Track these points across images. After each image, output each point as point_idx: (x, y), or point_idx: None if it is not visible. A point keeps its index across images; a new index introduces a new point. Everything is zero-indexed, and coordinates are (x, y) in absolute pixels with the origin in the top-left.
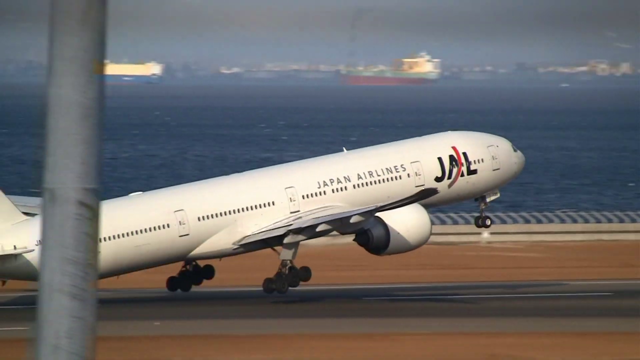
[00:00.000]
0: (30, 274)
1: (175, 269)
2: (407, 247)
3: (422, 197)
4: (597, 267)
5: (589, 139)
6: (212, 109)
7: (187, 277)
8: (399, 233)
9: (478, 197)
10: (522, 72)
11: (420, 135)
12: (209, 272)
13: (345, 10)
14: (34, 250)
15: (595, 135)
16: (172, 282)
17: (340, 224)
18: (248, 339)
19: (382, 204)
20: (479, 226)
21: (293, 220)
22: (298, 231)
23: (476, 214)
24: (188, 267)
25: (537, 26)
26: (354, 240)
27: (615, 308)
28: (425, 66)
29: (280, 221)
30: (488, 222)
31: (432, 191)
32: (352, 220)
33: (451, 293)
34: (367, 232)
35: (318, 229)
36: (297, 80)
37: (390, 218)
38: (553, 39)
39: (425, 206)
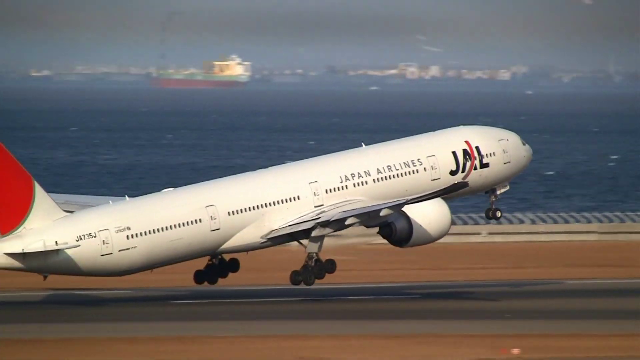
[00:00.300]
0: (71, 269)
1: (201, 262)
2: (428, 239)
3: (453, 190)
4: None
5: None
6: (21, 112)
7: (214, 270)
8: (421, 225)
9: (489, 189)
10: (333, 75)
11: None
12: (234, 265)
13: (156, 13)
14: (79, 245)
15: None
16: (199, 275)
17: (367, 217)
18: (57, 342)
19: (412, 197)
20: (489, 218)
21: (318, 214)
22: (325, 224)
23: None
24: (214, 260)
25: (348, 29)
26: (378, 233)
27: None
28: (235, 69)
29: (305, 215)
30: (499, 214)
31: (463, 184)
32: (382, 214)
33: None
34: (390, 224)
35: (347, 222)
36: (107, 83)
37: (412, 211)
38: (363, 42)
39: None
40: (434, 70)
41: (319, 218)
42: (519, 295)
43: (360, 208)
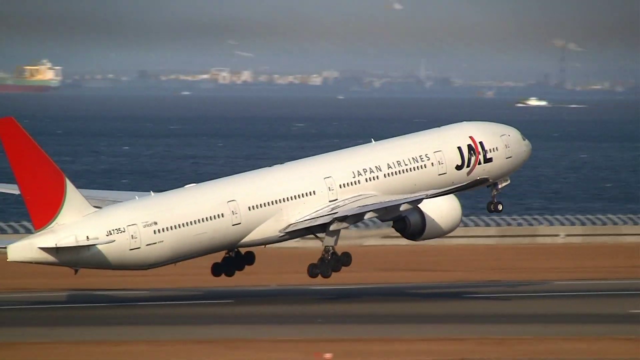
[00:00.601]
0: (101, 263)
1: (218, 255)
2: (440, 233)
3: (474, 185)
4: None
5: (214, 146)
6: None
7: (231, 262)
8: (433, 219)
9: (490, 183)
10: (144, 80)
11: None
12: (250, 258)
13: None
14: (114, 241)
15: (222, 143)
16: (216, 268)
17: (385, 212)
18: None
19: (432, 192)
20: (490, 211)
21: (333, 209)
22: (343, 219)
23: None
24: (231, 253)
25: (159, 34)
26: (392, 226)
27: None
28: (46, 74)
29: (321, 209)
30: (500, 207)
31: (484, 180)
32: (401, 208)
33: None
34: (404, 218)
35: (365, 217)
36: None
37: (425, 205)
38: (175, 47)
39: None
40: (246, 75)
41: (336, 212)
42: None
43: (380, 202)
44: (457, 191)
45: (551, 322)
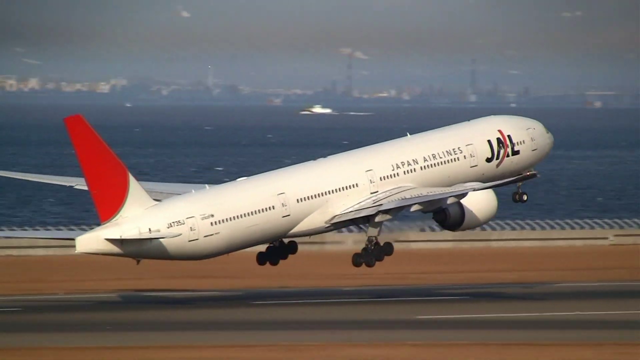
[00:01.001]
0: (161, 254)
1: (262, 246)
2: (477, 224)
3: (524, 179)
4: None
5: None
6: None
7: (275, 252)
8: (472, 211)
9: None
10: None
11: None
12: (293, 247)
13: None
14: (180, 234)
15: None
16: (261, 257)
17: (429, 204)
18: None
19: (480, 185)
20: (516, 201)
21: (374, 200)
22: (387, 211)
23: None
24: (275, 243)
25: None
26: (432, 218)
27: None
28: None
29: (363, 201)
30: (525, 197)
31: (533, 175)
32: (448, 202)
33: None
34: (445, 210)
35: (411, 209)
36: None
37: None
38: None
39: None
40: (33, 83)
41: (381, 205)
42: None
43: (426, 195)
44: (503, 185)
45: (343, 328)
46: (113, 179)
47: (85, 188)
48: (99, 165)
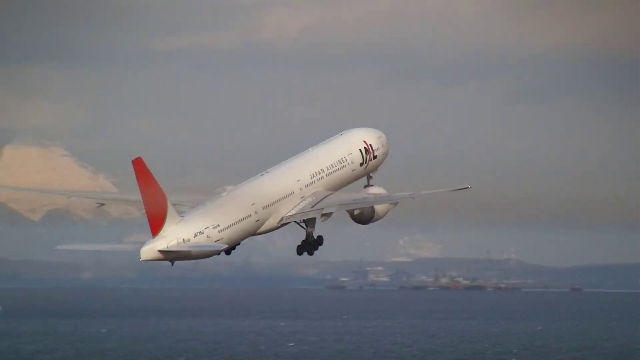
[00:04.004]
0: (191, 256)
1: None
2: (378, 218)
3: (457, 189)
4: None
5: None
6: None
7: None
8: (377, 209)
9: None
10: None
11: None
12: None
13: None
14: (228, 248)
15: None
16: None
17: (365, 206)
18: None
19: (425, 192)
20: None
21: (312, 205)
22: (328, 213)
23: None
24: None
25: None
26: (353, 216)
27: None
28: None
29: (299, 205)
30: (372, 181)
31: (465, 188)
32: (379, 206)
33: None
34: (369, 210)
35: (345, 209)
36: None
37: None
38: None
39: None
40: None
41: (323, 209)
42: None
43: (366, 201)
44: (441, 194)
45: None
46: (159, 204)
47: (82, 199)
48: (151, 195)
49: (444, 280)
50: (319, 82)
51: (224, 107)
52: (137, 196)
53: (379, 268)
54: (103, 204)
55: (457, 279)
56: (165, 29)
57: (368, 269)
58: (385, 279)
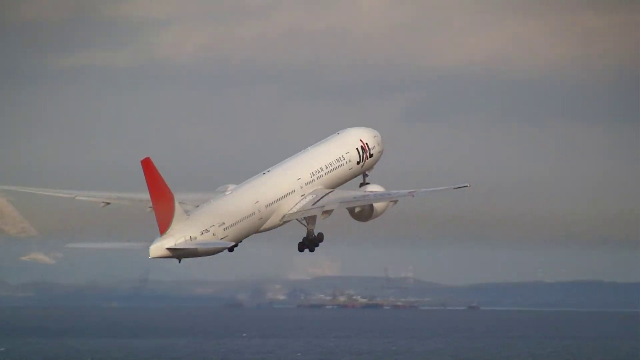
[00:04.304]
0: (197, 253)
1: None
2: (376, 216)
3: (457, 188)
4: None
5: None
6: None
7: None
8: (375, 206)
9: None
10: None
11: None
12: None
13: None
14: (235, 244)
15: None
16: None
17: (361, 203)
18: None
19: (424, 190)
20: (361, 186)
21: (314, 203)
22: (329, 211)
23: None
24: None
25: None
26: (353, 213)
27: None
28: None
29: (299, 202)
30: (368, 179)
31: (464, 186)
32: (378, 204)
33: None
34: (369, 207)
35: (346, 206)
36: None
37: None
38: None
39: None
40: None
41: (324, 206)
42: None
43: (366, 199)
44: (440, 192)
45: None
46: (167, 204)
47: (86, 199)
48: (160, 194)
49: (341, 299)
50: (216, 100)
51: (117, 125)
52: (142, 195)
53: (277, 286)
54: (108, 203)
55: (355, 297)
56: (58, 48)
57: (266, 287)
58: (283, 298)
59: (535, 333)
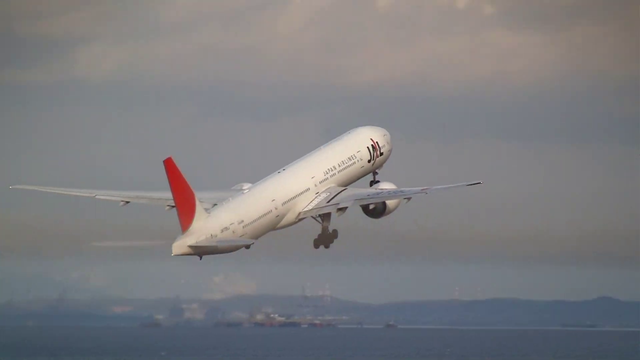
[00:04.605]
0: (218, 251)
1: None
2: (390, 212)
3: (467, 185)
4: None
5: None
6: None
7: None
8: (388, 203)
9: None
10: None
11: None
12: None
13: None
14: (253, 242)
15: None
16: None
17: (375, 201)
18: None
19: (437, 188)
20: (371, 185)
21: (328, 200)
22: (343, 208)
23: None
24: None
25: None
26: (368, 210)
27: None
28: None
29: (314, 200)
30: (377, 177)
31: (477, 183)
32: (390, 201)
33: None
34: (382, 204)
35: (360, 204)
36: None
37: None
38: None
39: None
40: None
41: (338, 204)
42: None
43: (380, 196)
44: (453, 188)
45: None
46: (189, 202)
47: (107, 198)
48: (182, 193)
49: (259, 317)
50: (135, 118)
51: (32, 145)
52: (160, 194)
53: (194, 305)
54: (127, 202)
55: (272, 315)
56: None
57: (183, 306)
58: (200, 316)
59: (456, 351)
